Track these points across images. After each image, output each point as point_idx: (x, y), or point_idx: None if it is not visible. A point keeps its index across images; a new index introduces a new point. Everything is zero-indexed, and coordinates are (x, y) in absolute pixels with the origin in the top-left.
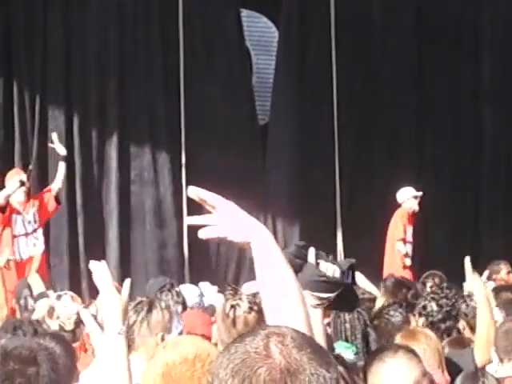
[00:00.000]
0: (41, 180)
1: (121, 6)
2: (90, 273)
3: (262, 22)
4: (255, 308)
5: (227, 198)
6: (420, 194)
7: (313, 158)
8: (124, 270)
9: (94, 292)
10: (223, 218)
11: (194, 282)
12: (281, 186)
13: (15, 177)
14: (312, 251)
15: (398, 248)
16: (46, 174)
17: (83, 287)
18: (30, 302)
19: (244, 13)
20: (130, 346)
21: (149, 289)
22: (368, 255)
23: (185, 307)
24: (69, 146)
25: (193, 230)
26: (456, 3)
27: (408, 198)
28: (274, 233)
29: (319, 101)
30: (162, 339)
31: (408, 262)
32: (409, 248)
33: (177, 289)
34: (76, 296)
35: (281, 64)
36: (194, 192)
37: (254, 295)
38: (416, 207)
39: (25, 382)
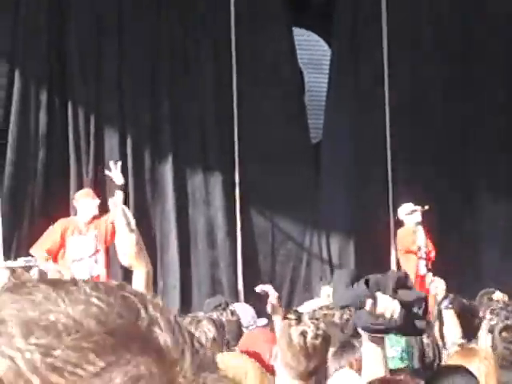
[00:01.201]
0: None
1: (172, 27)
2: None
3: (313, 40)
4: (321, 333)
5: (280, 217)
6: (417, 208)
7: (366, 176)
8: (183, 289)
9: None
10: None
11: (248, 301)
12: (334, 203)
13: (87, 199)
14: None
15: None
16: (104, 193)
17: None
18: None
19: (296, 31)
20: None
21: (206, 308)
22: None
23: (239, 326)
24: (122, 166)
25: (246, 250)
26: (507, 18)
27: (407, 213)
28: (329, 250)
29: (372, 119)
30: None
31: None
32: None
33: (231, 308)
34: None
35: (333, 82)
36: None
37: (318, 319)
38: (419, 219)
39: None
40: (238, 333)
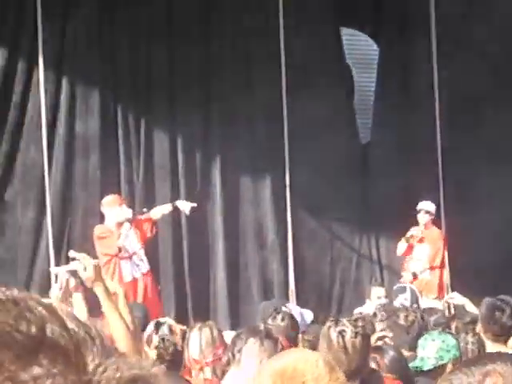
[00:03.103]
0: (147, 202)
1: (222, 28)
2: (195, 295)
3: (363, 39)
4: (360, 331)
5: (329, 217)
6: (425, 208)
7: (415, 177)
8: (232, 290)
9: (198, 314)
10: None
11: (299, 302)
12: (383, 203)
13: (114, 206)
14: None
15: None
16: (153, 195)
17: (189, 309)
18: None
19: (345, 31)
20: (228, 360)
21: (262, 312)
22: (474, 271)
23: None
24: (173, 167)
25: (296, 252)
26: None
27: (418, 212)
28: (378, 251)
29: (421, 119)
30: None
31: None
32: (415, 266)
33: (283, 313)
34: (175, 326)
35: (381, 82)
36: None
37: (356, 319)
38: (421, 221)
39: None
40: (297, 336)
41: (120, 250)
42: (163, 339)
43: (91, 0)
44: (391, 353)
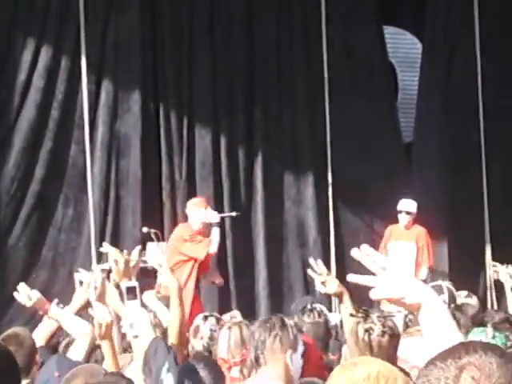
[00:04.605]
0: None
1: (264, 28)
2: (239, 294)
3: (407, 38)
4: (388, 331)
5: (371, 215)
6: (406, 209)
7: (459, 176)
8: (273, 289)
9: (244, 313)
10: (391, 280)
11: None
12: (426, 203)
13: (198, 208)
14: None
15: None
16: (195, 193)
17: (233, 308)
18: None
19: (389, 29)
20: (257, 360)
21: (293, 309)
22: None
23: (326, 328)
24: (216, 165)
25: (338, 250)
26: None
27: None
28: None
29: (465, 118)
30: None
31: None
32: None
33: (319, 309)
34: (222, 319)
35: (424, 81)
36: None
37: (385, 317)
38: (402, 221)
39: None
40: (326, 334)
41: (208, 256)
42: (211, 330)
43: (134, 1)
44: None
